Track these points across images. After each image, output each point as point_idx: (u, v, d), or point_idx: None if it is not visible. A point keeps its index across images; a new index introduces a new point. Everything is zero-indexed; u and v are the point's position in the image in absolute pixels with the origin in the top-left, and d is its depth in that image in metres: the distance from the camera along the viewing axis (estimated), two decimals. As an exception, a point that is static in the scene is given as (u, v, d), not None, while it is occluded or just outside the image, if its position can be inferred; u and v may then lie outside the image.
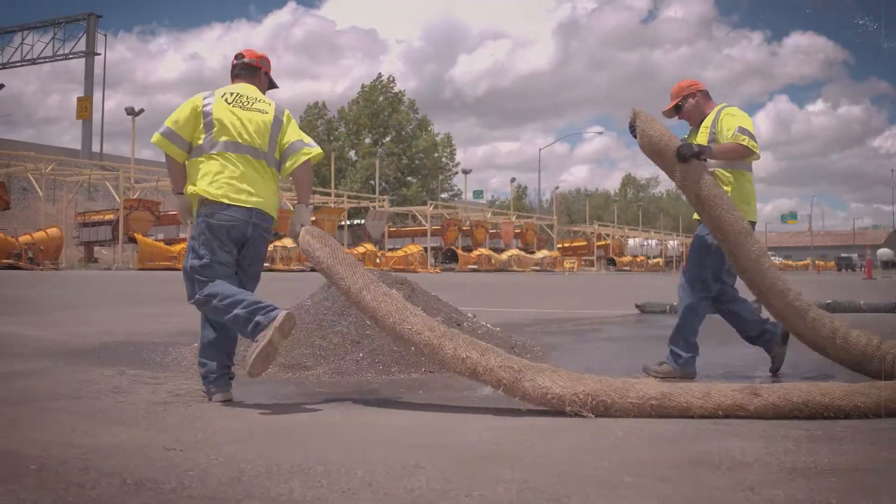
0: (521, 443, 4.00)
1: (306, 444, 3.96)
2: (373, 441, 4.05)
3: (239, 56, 5.61)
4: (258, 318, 4.83)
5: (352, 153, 78.86)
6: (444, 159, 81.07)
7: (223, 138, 5.17)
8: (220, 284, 5.02)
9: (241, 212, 5.08)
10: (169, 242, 40.66)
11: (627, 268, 76.99)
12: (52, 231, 37.39)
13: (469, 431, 4.31)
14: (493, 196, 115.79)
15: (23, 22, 45.80)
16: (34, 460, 3.49)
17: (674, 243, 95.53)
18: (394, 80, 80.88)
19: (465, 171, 74.14)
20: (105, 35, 60.30)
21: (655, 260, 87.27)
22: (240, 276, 5.25)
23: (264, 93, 5.54)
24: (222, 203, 5.07)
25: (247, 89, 5.41)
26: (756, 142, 6.01)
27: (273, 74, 5.68)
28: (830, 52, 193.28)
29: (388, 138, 78.99)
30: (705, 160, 5.89)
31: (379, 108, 78.78)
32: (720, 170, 6.16)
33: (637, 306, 14.43)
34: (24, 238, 35.34)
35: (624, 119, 6.10)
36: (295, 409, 4.90)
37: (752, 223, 6.13)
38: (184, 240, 40.50)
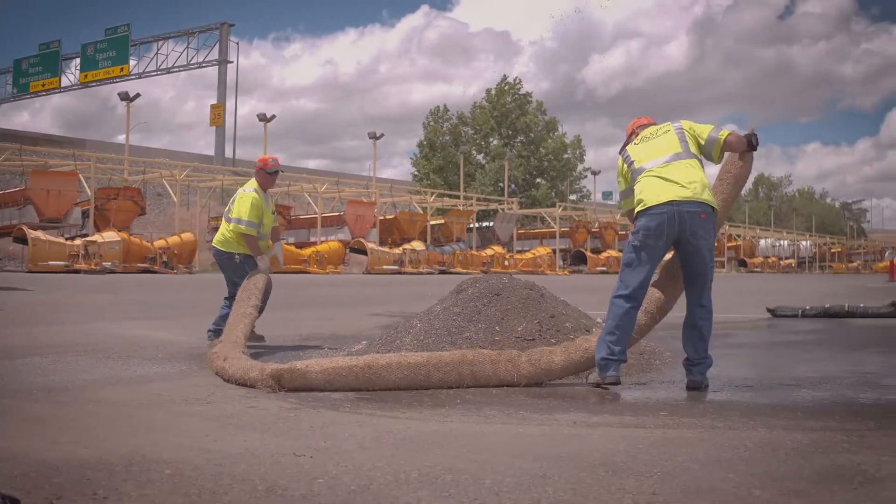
0: (650, 454, 3.95)
1: (435, 452, 3.94)
2: (502, 451, 4.00)
3: None
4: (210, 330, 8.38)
5: (480, 156, 78.90)
6: (573, 160, 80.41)
7: None
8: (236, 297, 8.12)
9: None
10: (300, 246, 41.38)
11: (759, 269, 75.51)
12: (186, 236, 38.39)
13: (598, 442, 4.24)
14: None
15: (158, 33, 47.34)
16: (168, 465, 3.57)
17: (806, 244, 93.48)
18: (520, 81, 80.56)
19: (594, 172, 73.74)
20: (237, 43, 62.13)
21: (787, 261, 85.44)
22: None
23: (263, 183, 8.62)
24: None
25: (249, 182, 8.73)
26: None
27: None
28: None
29: (517, 140, 78.69)
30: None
31: (506, 111, 78.55)
32: None
33: (769, 310, 14.11)
34: (159, 242, 36.41)
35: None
36: (423, 417, 4.88)
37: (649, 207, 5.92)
38: (314, 243, 41.30)
